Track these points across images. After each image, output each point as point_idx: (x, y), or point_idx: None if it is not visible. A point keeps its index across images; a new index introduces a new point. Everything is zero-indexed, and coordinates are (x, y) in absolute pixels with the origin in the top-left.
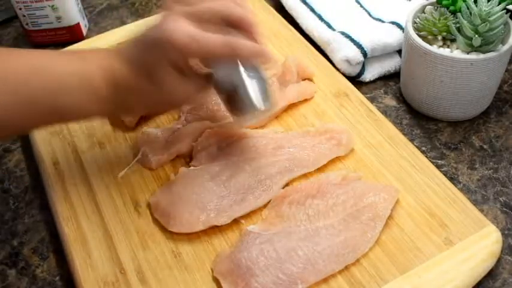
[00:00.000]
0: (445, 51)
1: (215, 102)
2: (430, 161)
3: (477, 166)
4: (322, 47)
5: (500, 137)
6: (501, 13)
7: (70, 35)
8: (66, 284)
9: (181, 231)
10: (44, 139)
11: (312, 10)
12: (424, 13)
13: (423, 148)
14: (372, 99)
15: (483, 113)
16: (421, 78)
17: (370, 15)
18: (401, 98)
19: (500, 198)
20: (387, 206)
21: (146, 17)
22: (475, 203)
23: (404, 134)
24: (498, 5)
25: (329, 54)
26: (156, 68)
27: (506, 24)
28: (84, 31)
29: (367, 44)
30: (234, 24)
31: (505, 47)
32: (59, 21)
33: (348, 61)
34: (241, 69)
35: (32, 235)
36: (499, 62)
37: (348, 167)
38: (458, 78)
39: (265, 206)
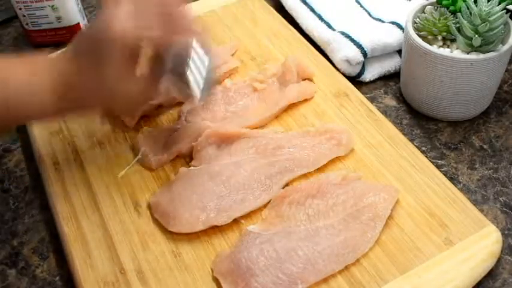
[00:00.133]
0: (445, 51)
1: (215, 102)
2: (430, 161)
3: (477, 166)
4: (322, 47)
5: (500, 137)
6: (501, 13)
7: (70, 35)
8: (66, 284)
9: (181, 231)
10: (44, 139)
11: (312, 10)
12: (424, 13)
13: (423, 148)
14: (372, 99)
15: (483, 113)
16: (421, 78)
17: (370, 15)
18: (401, 98)
19: (500, 198)
20: (387, 206)
21: None
22: (475, 203)
23: (404, 134)
24: (498, 5)
25: (329, 54)
26: (102, 55)
27: (506, 24)
28: None
29: (367, 44)
30: (173, 16)
31: (505, 47)
32: (59, 21)
33: (348, 61)
34: (190, 54)
35: (32, 235)
36: (499, 62)
37: (348, 167)
38: (458, 78)
39: (265, 206)
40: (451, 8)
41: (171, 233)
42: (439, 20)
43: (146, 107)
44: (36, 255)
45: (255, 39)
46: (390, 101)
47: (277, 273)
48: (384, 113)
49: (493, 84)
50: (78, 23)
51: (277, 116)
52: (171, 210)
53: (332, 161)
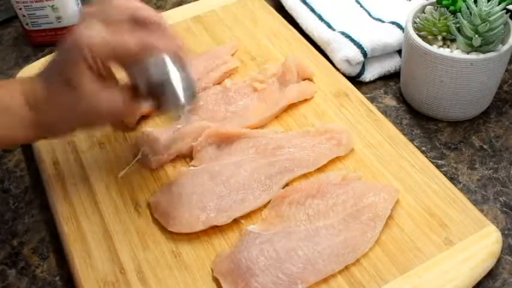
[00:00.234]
0: (445, 51)
1: (215, 102)
2: (430, 161)
3: (477, 166)
4: (322, 47)
5: (500, 137)
6: (501, 13)
7: None
8: (66, 284)
9: (181, 231)
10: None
11: (312, 10)
12: (424, 13)
13: (423, 148)
14: (372, 99)
15: (483, 113)
16: (421, 78)
17: (370, 15)
18: (401, 98)
19: (500, 198)
20: (387, 206)
21: None
22: (475, 203)
23: (404, 134)
24: (498, 5)
25: (329, 54)
26: (71, 73)
27: (506, 24)
28: None
29: (367, 44)
30: (145, 25)
31: (505, 47)
32: (59, 21)
33: (348, 61)
34: (168, 64)
35: (32, 235)
36: (499, 62)
37: (348, 167)
38: (458, 78)
39: (265, 206)
40: (451, 8)
41: (171, 233)
42: (439, 20)
43: (132, 119)
44: (36, 255)
45: (255, 39)
46: (390, 101)
47: (277, 273)
48: (384, 113)
49: (493, 84)
50: None
51: (277, 116)
52: (171, 210)
53: (332, 161)
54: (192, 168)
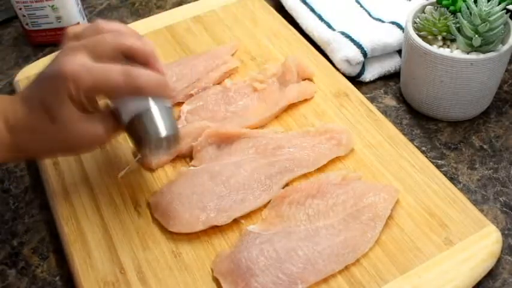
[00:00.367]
0: (445, 51)
1: (215, 102)
2: (430, 161)
3: (477, 166)
4: (322, 47)
5: (500, 137)
6: (501, 13)
7: None
8: (66, 284)
9: (181, 231)
10: None
11: (312, 10)
12: (424, 13)
13: (423, 148)
14: (372, 99)
15: (483, 113)
16: (421, 78)
17: (370, 15)
18: (401, 98)
19: (500, 198)
20: (387, 206)
21: (146, 17)
22: (475, 203)
23: (404, 134)
24: (498, 5)
25: (329, 54)
26: (52, 103)
27: (506, 24)
28: None
29: (367, 44)
30: (133, 57)
31: (505, 47)
32: (59, 21)
33: (348, 61)
34: (149, 99)
35: (32, 235)
36: (499, 62)
37: (348, 167)
38: (458, 78)
39: (265, 206)
40: (451, 8)
41: (171, 233)
42: (439, 20)
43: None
44: (36, 255)
45: (255, 39)
46: (390, 101)
47: (277, 273)
48: (384, 113)
49: (493, 84)
50: (78, 23)
51: (277, 116)
52: (171, 210)
53: (332, 161)
54: (192, 168)
